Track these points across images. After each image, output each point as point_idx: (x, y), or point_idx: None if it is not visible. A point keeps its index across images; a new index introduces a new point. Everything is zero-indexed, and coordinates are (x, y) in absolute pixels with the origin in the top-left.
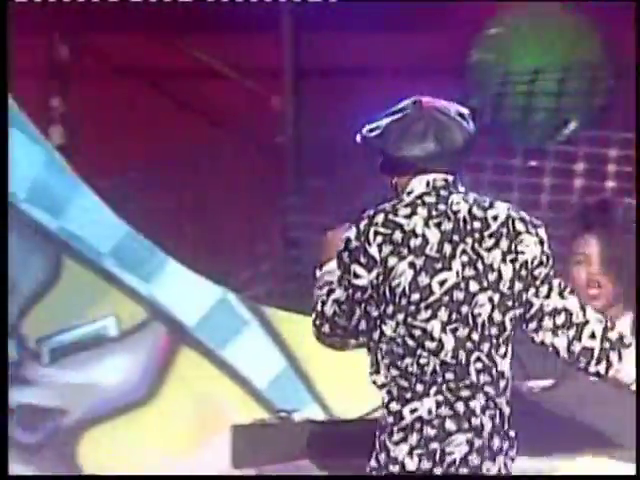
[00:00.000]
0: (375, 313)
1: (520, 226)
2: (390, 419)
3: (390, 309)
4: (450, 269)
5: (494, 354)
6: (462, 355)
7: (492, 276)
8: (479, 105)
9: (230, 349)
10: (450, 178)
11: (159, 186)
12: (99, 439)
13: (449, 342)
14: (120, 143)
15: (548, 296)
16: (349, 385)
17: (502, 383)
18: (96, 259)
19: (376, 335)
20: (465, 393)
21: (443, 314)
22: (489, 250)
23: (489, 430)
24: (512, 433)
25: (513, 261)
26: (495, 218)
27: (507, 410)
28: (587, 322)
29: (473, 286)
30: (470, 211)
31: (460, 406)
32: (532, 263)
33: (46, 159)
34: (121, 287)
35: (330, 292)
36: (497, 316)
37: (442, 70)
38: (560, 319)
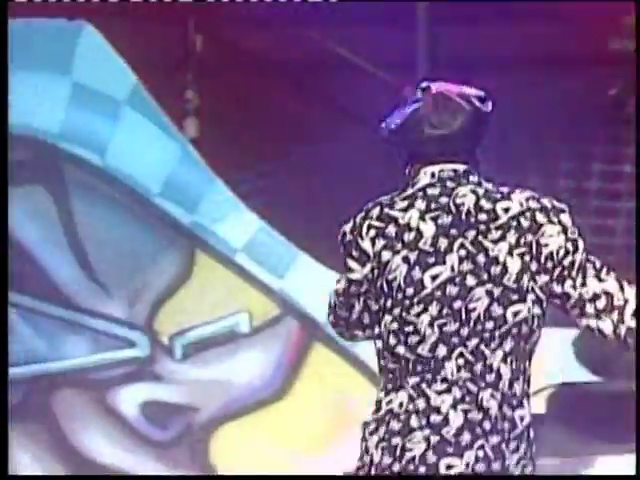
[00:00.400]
0: (375, 307)
1: (541, 217)
2: (372, 408)
3: (389, 303)
4: (444, 263)
5: (483, 348)
6: (442, 350)
7: (495, 269)
8: (620, 94)
9: (362, 345)
10: (461, 168)
11: (292, 181)
12: (231, 437)
13: (431, 337)
14: (254, 138)
15: (584, 284)
16: None
17: (490, 377)
18: (229, 254)
19: (377, 329)
20: (438, 388)
21: (434, 309)
22: (495, 242)
23: (458, 425)
24: (501, 426)
25: (523, 255)
26: (506, 210)
27: (493, 404)
28: (627, 301)
29: (470, 280)
30: (477, 203)
31: (429, 401)
32: (558, 254)
33: (180, 153)
34: (254, 282)
35: (337, 283)
36: (496, 310)
37: (578, 60)
38: (601, 303)
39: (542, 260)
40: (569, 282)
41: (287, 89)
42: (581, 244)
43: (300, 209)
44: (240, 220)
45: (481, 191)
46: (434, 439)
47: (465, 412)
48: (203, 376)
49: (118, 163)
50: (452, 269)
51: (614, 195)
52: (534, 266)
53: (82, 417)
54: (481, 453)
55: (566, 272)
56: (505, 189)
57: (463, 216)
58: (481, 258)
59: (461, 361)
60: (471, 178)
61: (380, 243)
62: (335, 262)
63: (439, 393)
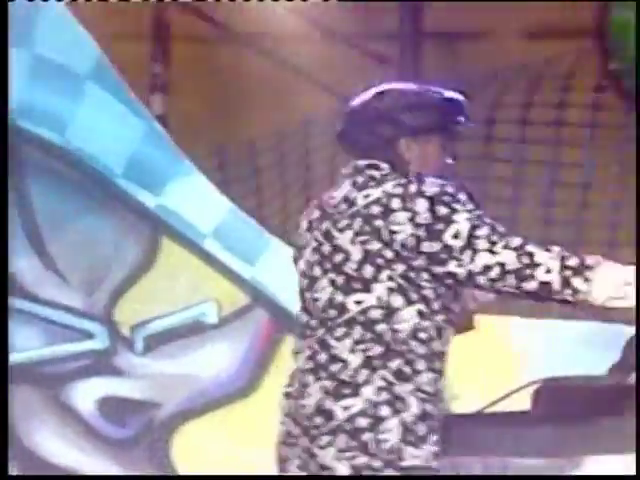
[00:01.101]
0: None
1: (396, 204)
2: None
3: None
4: (303, 257)
5: (328, 338)
6: (299, 343)
7: (338, 257)
8: (619, 67)
9: None
10: (362, 164)
11: (265, 160)
12: (195, 435)
13: (296, 331)
14: (227, 113)
15: (473, 260)
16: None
17: (334, 367)
18: (196, 240)
19: None
20: (289, 380)
21: (299, 303)
22: (341, 231)
23: (284, 425)
24: (312, 422)
25: (367, 242)
26: (365, 197)
27: (315, 398)
28: (537, 265)
29: (316, 270)
30: (346, 194)
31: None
32: (409, 242)
33: (146, 131)
34: (222, 270)
35: None
36: (338, 298)
37: (579, 32)
38: (494, 273)
39: (397, 247)
40: (453, 262)
41: (263, 61)
42: (453, 227)
43: (274, 190)
44: (209, 203)
45: (360, 180)
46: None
47: (290, 407)
48: (166, 370)
49: (79, 142)
50: (306, 262)
51: None
52: (389, 254)
53: (35, 413)
54: (297, 452)
55: (443, 255)
56: (396, 180)
57: (329, 209)
58: (326, 248)
59: (308, 352)
60: (370, 172)
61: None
62: None
63: (286, 386)
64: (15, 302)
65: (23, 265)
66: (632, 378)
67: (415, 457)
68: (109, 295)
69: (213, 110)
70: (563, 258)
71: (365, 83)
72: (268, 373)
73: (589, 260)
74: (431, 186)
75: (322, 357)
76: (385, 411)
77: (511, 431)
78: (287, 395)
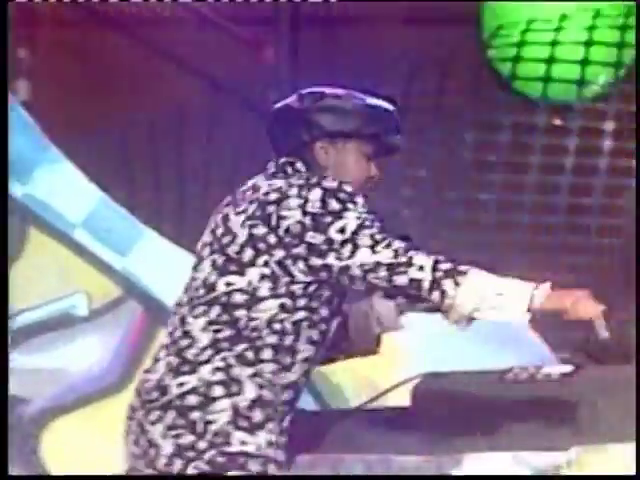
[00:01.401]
0: None
1: (292, 191)
2: None
3: None
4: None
5: (187, 315)
6: (173, 319)
7: (226, 239)
8: (494, 56)
9: None
10: (281, 160)
11: (136, 148)
12: (65, 431)
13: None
14: (94, 99)
15: (352, 255)
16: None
17: (183, 343)
18: (66, 230)
19: None
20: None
21: None
22: (237, 214)
23: (142, 386)
24: (149, 396)
25: (255, 226)
26: (270, 185)
27: (158, 374)
28: (411, 263)
29: (205, 251)
30: (255, 182)
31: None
32: (295, 228)
33: (11, 116)
34: (93, 261)
35: None
36: (212, 278)
37: (451, 18)
38: (367, 267)
39: (281, 233)
40: (332, 255)
41: (129, 45)
42: (340, 223)
43: (145, 178)
44: (79, 192)
45: (272, 172)
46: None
47: (139, 381)
48: (34, 364)
49: None
50: (201, 242)
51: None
52: (272, 239)
53: None
54: (133, 427)
55: (324, 247)
56: (304, 174)
57: (237, 196)
58: (220, 230)
59: (170, 328)
60: (285, 168)
61: None
62: (185, 239)
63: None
64: None
65: None
66: (522, 374)
67: (244, 443)
68: None
69: (81, 96)
70: (438, 261)
71: (240, 69)
72: (142, 367)
73: (463, 267)
74: (331, 181)
75: (177, 333)
76: (218, 391)
77: (391, 428)
78: (145, 371)
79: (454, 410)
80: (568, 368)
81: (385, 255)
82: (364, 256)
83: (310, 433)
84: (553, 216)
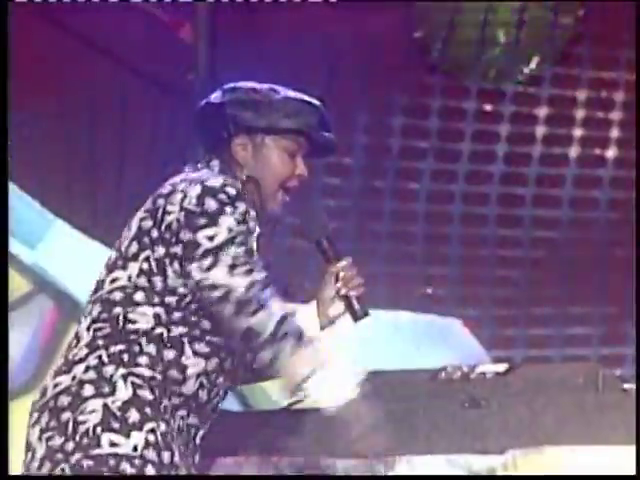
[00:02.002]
0: None
1: (182, 185)
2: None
3: None
4: None
5: (81, 316)
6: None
7: (124, 234)
8: (426, 38)
9: None
10: (201, 157)
11: (47, 135)
12: None
13: None
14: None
15: (209, 269)
16: None
17: (72, 342)
18: None
19: None
20: None
21: None
22: (138, 209)
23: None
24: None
25: (144, 219)
26: (173, 182)
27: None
28: (262, 307)
29: (111, 251)
30: (170, 179)
31: None
32: (173, 225)
33: None
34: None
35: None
36: (102, 274)
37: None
38: (219, 292)
39: (163, 228)
40: (196, 263)
41: (40, 25)
42: (212, 229)
43: (57, 168)
44: None
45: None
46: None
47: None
48: None
49: None
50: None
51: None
52: (155, 233)
53: None
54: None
55: (189, 250)
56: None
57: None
58: (126, 228)
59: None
60: (199, 164)
61: None
62: (98, 231)
63: None
64: None
65: None
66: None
67: (115, 445)
68: None
69: None
70: (286, 318)
71: (158, 51)
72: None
73: (309, 333)
74: (216, 180)
75: (72, 336)
76: (88, 391)
77: (321, 429)
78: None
79: (386, 410)
80: (502, 367)
81: (238, 282)
82: (219, 275)
83: (236, 434)
84: (484, 207)
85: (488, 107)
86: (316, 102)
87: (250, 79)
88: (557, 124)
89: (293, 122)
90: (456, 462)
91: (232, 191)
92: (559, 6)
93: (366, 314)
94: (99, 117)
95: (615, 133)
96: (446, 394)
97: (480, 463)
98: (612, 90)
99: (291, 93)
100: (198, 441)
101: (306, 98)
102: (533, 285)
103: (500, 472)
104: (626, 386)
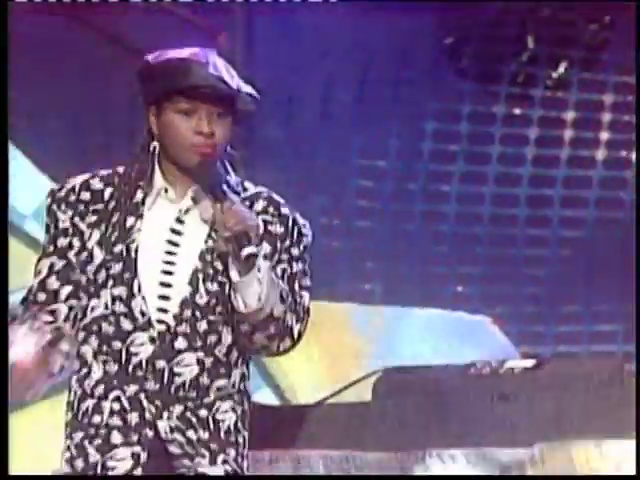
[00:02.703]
0: None
1: None
2: None
3: None
4: None
5: None
6: None
7: None
8: (457, 43)
9: None
10: None
11: (88, 137)
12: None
13: None
14: (49, 85)
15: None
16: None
17: None
18: (17, 222)
19: None
20: None
21: None
22: None
23: None
24: None
25: None
26: None
27: None
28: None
29: None
30: None
31: None
32: None
33: None
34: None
35: None
36: None
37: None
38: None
39: None
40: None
41: (83, 31)
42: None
43: (99, 166)
44: (29, 184)
45: None
46: None
47: None
48: None
49: None
50: None
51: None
52: None
53: None
54: None
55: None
56: None
57: None
58: None
59: None
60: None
61: None
62: None
63: None
64: None
65: None
66: (485, 369)
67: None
68: None
69: (32, 85)
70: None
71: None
72: None
73: None
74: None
75: None
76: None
77: (352, 424)
78: None
79: (416, 405)
80: (530, 363)
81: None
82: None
83: (271, 428)
84: (513, 208)
85: (517, 111)
86: (203, 58)
87: (284, 86)
88: (584, 128)
89: (176, 82)
90: (485, 456)
91: (69, 186)
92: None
93: None
94: (138, 122)
95: None
96: (476, 389)
97: (508, 456)
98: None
99: (178, 53)
100: None
101: (194, 55)
102: (560, 283)
103: (528, 466)
104: None
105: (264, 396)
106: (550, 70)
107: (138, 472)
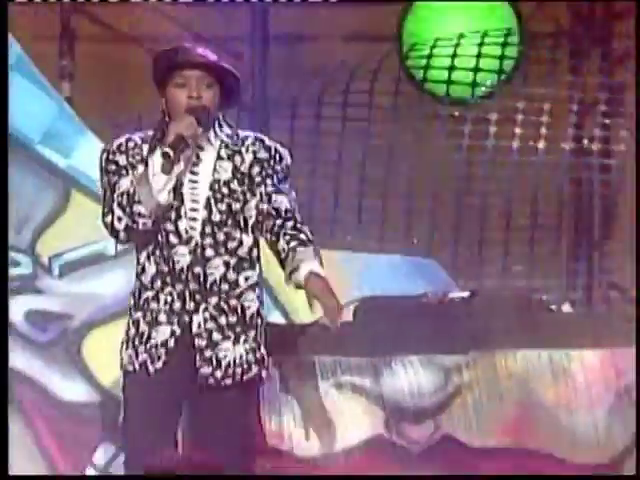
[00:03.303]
0: None
1: None
2: None
3: None
4: None
5: None
6: None
7: None
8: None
9: None
10: None
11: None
12: (100, 339)
13: None
14: (119, 97)
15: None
16: None
17: None
18: (98, 191)
19: None
20: None
21: None
22: None
23: None
24: None
25: None
26: None
27: None
28: None
29: None
30: None
31: None
32: None
33: (57, 108)
34: None
35: None
36: None
37: (384, 36)
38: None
39: None
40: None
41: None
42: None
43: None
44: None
45: None
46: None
47: None
48: (76, 289)
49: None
50: None
51: None
52: None
53: None
54: None
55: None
56: None
57: None
58: None
59: None
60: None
61: None
62: None
63: None
64: None
65: None
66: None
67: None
68: (32, 233)
69: (108, 94)
70: None
71: None
72: None
73: None
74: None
75: None
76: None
77: (339, 337)
78: None
79: (385, 324)
80: (466, 293)
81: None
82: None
83: (279, 341)
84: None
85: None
86: (190, 44)
87: (298, 112)
88: (503, 124)
89: (171, 62)
90: (433, 360)
91: (120, 146)
92: (505, 42)
93: None
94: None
95: None
96: (427, 312)
97: (450, 361)
98: None
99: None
100: None
101: (183, 43)
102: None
103: (464, 368)
104: (552, 307)
105: (274, 317)
106: None
107: (171, 344)
